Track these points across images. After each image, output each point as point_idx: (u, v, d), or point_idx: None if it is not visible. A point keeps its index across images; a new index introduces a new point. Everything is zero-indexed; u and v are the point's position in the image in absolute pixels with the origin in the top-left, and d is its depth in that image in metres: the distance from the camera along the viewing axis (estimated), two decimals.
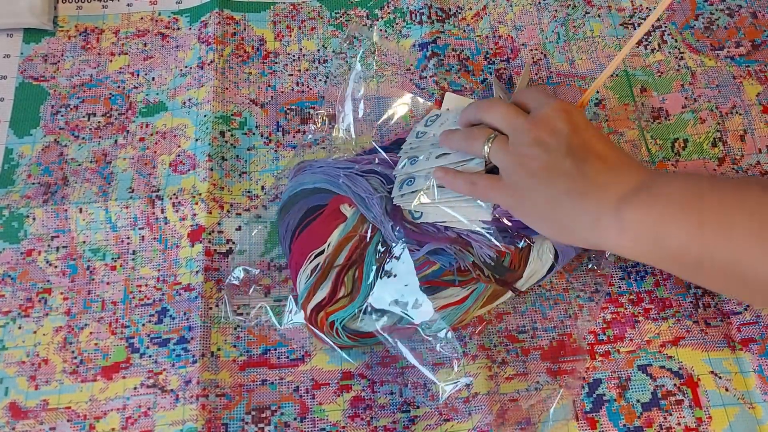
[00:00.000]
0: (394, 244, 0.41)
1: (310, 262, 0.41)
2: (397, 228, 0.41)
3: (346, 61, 0.53)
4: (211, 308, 0.44)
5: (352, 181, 0.43)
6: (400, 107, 0.50)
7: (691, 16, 0.55)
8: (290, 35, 0.54)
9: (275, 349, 0.43)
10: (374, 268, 0.41)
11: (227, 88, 0.51)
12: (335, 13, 0.56)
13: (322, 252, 0.41)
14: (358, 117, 0.49)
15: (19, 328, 0.44)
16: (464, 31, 0.55)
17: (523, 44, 0.54)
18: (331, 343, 0.41)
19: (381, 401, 0.42)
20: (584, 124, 0.39)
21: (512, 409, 0.41)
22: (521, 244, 0.41)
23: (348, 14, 0.55)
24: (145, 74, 0.52)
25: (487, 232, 0.40)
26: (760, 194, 0.32)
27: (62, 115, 0.51)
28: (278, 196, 0.47)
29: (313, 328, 0.41)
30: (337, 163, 0.45)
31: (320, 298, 0.40)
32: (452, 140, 0.43)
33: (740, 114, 0.51)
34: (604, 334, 0.44)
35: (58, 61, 0.53)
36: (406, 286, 0.39)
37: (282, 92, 0.52)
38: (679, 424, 0.41)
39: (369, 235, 0.42)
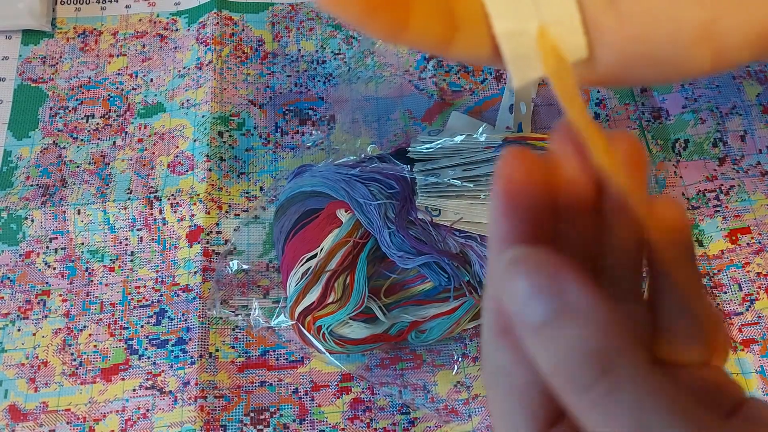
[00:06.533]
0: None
1: (302, 265, 0.41)
2: (398, 234, 0.41)
3: (345, 62, 0.53)
4: (209, 309, 0.44)
5: (350, 187, 0.43)
6: None
7: None
8: (289, 36, 0.54)
9: (274, 351, 0.43)
10: (365, 274, 0.40)
11: (225, 89, 0.51)
12: None
13: (315, 256, 0.41)
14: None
15: (18, 330, 0.44)
16: None
17: None
18: (318, 346, 0.41)
19: (380, 403, 0.42)
20: None
21: None
22: None
23: None
24: (144, 75, 0.52)
25: None
26: None
27: (61, 117, 0.51)
28: (277, 197, 0.47)
29: (302, 328, 0.41)
30: (338, 168, 0.45)
31: (309, 302, 0.40)
32: None
33: (740, 114, 0.50)
34: None
35: (57, 63, 0.53)
36: None
37: (280, 93, 0.52)
38: None
39: (362, 241, 0.41)
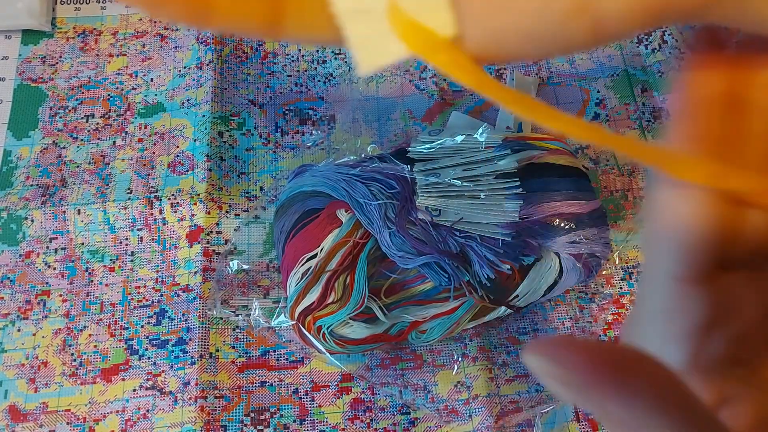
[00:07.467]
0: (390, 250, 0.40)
1: (302, 265, 0.41)
2: (398, 234, 0.40)
3: (346, 62, 0.53)
4: (210, 309, 0.44)
5: (351, 187, 0.43)
6: None
7: None
8: None
9: (274, 351, 0.43)
10: (366, 274, 0.40)
11: (226, 89, 0.51)
12: None
13: (315, 256, 0.41)
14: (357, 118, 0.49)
15: (18, 330, 0.44)
16: None
17: None
18: (318, 346, 0.41)
19: (381, 403, 0.42)
20: None
21: (513, 411, 0.41)
22: (528, 261, 0.40)
23: None
24: (144, 75, 0.52)
25: (503, 238, 0.40)
26: None
27: (61, 117, 0.51)
28: (277, 197, 0.47)
29: (302, 328, 0.41)
30: (338, 167, 0.45)
31: (309, 302, 0.40)
32: None
33: None
34: (606, 335, 0.44)
35: (57, 63, 0.53)
36: None
37: (281, 93, 0.52)
38: None
39: (362, 241, 0.41)
